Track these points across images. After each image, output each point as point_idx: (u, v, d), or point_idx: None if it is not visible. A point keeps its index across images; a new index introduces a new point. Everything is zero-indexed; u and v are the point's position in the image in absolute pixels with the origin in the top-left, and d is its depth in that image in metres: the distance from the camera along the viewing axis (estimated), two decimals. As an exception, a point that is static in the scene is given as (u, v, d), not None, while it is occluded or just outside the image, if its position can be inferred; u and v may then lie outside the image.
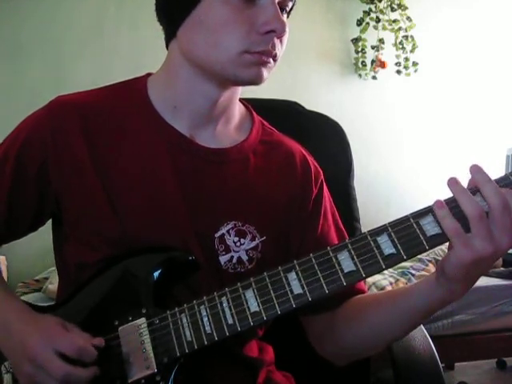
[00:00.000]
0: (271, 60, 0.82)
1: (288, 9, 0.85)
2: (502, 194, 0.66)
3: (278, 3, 0.81)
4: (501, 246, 0.67)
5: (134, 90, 0.91)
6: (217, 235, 0.86)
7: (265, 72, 0.82)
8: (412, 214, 0.71)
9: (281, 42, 0.82)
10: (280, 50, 0.83)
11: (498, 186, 0.67)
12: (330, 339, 0.93)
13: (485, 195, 0.67)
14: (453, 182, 0.69)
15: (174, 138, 0.88)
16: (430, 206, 0.70)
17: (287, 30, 0.81)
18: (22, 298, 2.23)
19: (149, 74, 0.94)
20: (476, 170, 0.69)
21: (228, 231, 0.87)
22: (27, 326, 0.78)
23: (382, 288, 2.46)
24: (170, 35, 0.87)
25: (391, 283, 2.51)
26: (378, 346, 0.91)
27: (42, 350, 0.74)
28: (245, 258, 0.87)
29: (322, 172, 0.98)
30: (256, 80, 0.82)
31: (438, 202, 0.69)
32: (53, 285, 2.26)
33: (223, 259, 0.86)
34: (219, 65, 0.81)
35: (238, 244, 0.87)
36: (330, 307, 0.91)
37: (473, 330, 2.43)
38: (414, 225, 0.70)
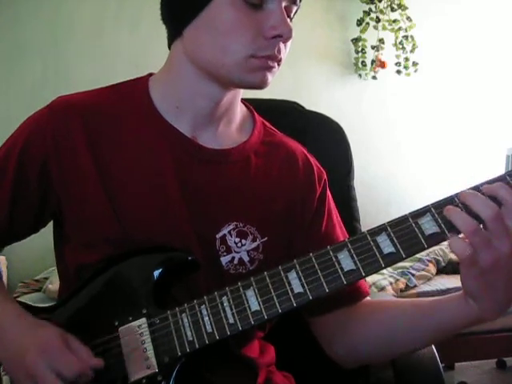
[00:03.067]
0: (276, 64, 0.82)
1: (292, 15, 0.85)
2: (491, 204, 0.67)
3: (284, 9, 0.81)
4: (501, 251, 0.68)
5: (135, 90, 0.91)
6: (218, 236, 0.87)
7: (269, 76, 0.83)
8: (411, 213, 0.72)
9: (285, 46, 0.83)
10: (285, 53, 0.83)
11: (485, 198, 0.68)
12: (341, 340, 0.93)
13: (474, 210, 0.68)
14: (448, 209, 0.69)
15: (176, 139, 0.88)
16: (428, 206, 0.71)
17: (293, 34, 0.81)
18: (22, 298, 2.24)
19: (150, 74, 0.94)
20: (461, 194, 0.70)
21: (229, 232, 0.87)
22: (24, 337, 0.77)
23: (382, 288, 2.46)
24: (174, 35, 0.87)
25: (391, 283, 2.52)
26: (389, 353, 0.91)
27: (39, 367, 0.73)
28: (246, 258, 0.87)
29: (325, 172, 0.98)
30: (261, 84, 0.83)
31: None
32: (53, 285, 2.26)
33: (224, 260, 0.86)
34: (225, 68, 0.81)
35: (240, 245, 0.87)
36: (343, 309, 0.91)
37: (473, 330, 2.43)
38: (413, 224, 0.71)
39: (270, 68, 0.82)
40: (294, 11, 0.85)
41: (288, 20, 0.81)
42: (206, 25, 0.81)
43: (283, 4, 0.81)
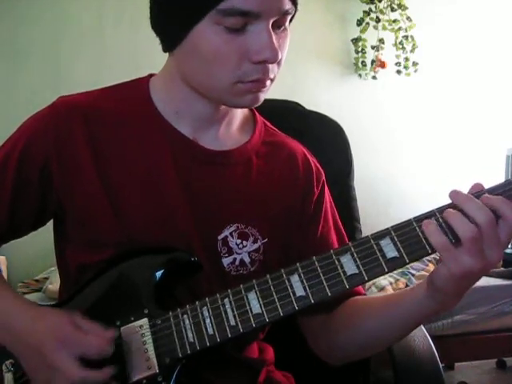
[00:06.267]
0: (267, 83, 0.81)
1: (287, 23, 0.81)
2: (486, 210, 0.66)
3: (275, 21, 0.77)
4: (490, 261, 0.68)
5: (136, 92, 0.91)
6: (220, 237, 0.87)
7: (261, 96, 0.82)
8: (415, 217, 0.71)
9: (278, 63, 0.80)
10: (276, 71, 0.81)
11: (480, 203, 0.67)
12: (325, 339, 0.93)
13: (469, 214, 0.67)
14: (448, 212, 0.68)
15: (177, 141, 0.88)
16: (432, 210, 0.71)
17: (280, 56, 0.78)
18: (22, 298, 2.23)
19: (151, 75, 0.94)
20: (454, 194, 0.69)
21: (231, 233, 0.87)
22: (34, 329, 0.76)
23: (382, 288, 2.46)
24: (166, 50, 0.86)
25: (391, 283, 2.52)
26: (370, 349, 0.91)
27: (60, 355, 0.73)
28: (247, 260, 0.88)
29: (323, 173, 0.98)
30: (252, 105, 0.83)
31: (425, 223, 0.69)
32: (53, 285, 2.27)
33: (226, 261, 0.87)
34: (215, 92, 0.82)
35: (241, 246, 0.87)
36: (328, 307, 0.91)
37: (473, 330, 2.43)
38: (417, 228, 0.70)
39: (259, 89, 0.80)
40: (288, 19, 0.81)
41: (274, 41, 0.76)
42: (192, 50, 0.79)
43: (271, 21, 0.76)
